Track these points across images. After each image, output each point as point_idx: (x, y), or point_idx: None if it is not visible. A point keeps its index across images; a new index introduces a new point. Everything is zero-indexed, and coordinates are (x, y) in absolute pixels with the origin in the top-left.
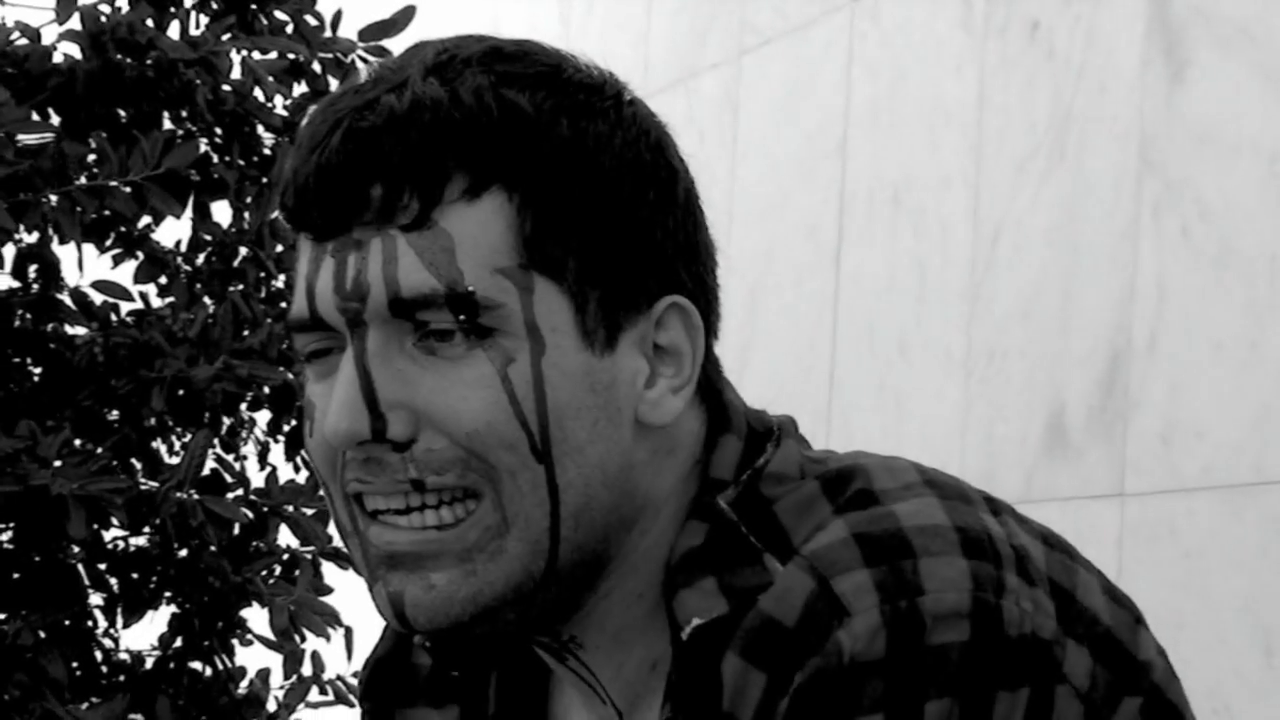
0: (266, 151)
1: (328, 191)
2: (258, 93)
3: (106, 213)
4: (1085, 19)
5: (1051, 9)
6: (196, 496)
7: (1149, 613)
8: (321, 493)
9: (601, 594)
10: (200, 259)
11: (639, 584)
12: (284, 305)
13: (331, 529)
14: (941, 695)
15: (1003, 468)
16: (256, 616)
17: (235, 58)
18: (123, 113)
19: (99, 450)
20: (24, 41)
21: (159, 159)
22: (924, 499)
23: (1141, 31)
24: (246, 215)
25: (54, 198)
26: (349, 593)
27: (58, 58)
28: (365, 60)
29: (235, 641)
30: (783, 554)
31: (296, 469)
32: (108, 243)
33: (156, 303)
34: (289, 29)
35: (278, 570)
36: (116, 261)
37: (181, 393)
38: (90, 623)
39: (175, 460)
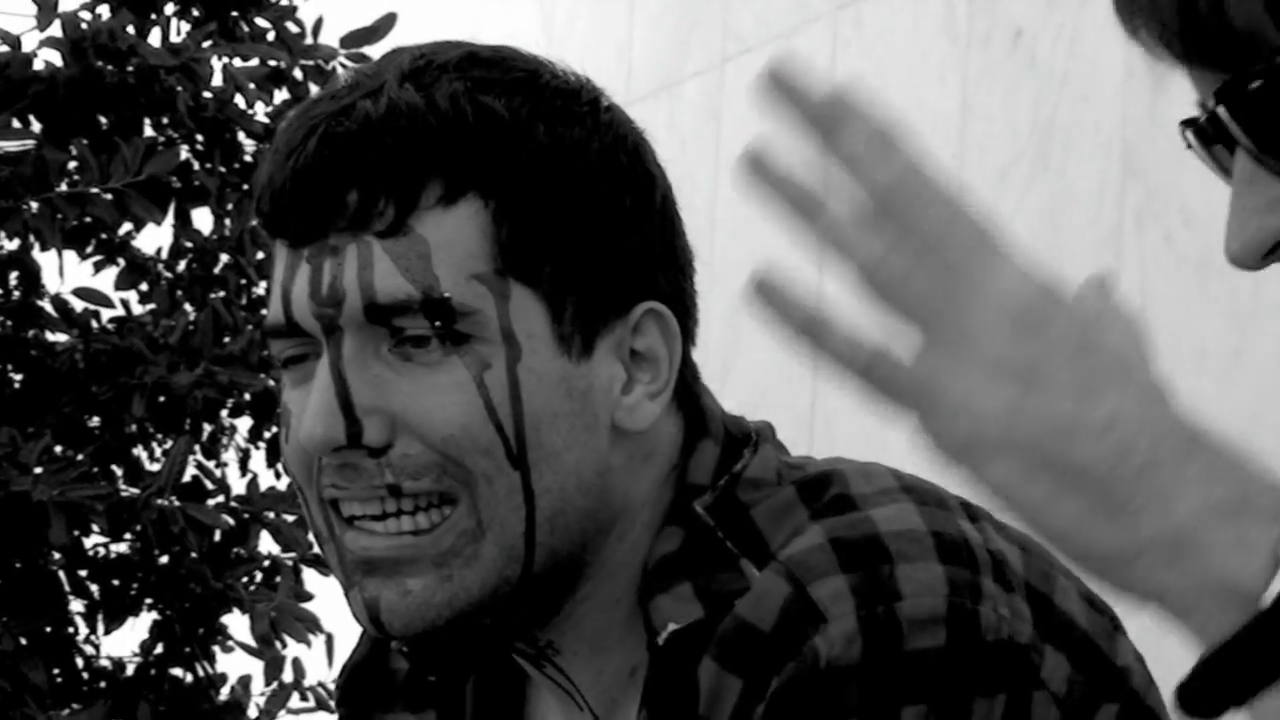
0: (247, 158)
1: (303, 197)
2: (239, 100)
3: (87, 220)
4: (1068, 27)
5: (1034, 17)
6: (177, 503)
7: (1127, 618)
8: (300, 499)
9: (579, 599)
10: (181, 266)
11: (616, 589)
12: (265, 312)
13: (312, 535)
14: (918, 701)
15: None
16: (237, 623)
17: (216, 64)
18: (104, 120)
19: (80, 457)
20: (4, 48)
21: (140, 166)
22: (901, 504)
23: (1124, 39)
24: (227, 222)
25: (35, 205)
26: (330, 599)
27: (39, 65)
28: (346, 67)
29: (216, 648)
30: (759, 559)
31: (277, 475)
32: (89, 249)
33: (137, 309)
34: (270, 36)
35: (259, 577)
36: (98, 268)
37: (162, 399)
38: (71, 629)
39: (156, 467)
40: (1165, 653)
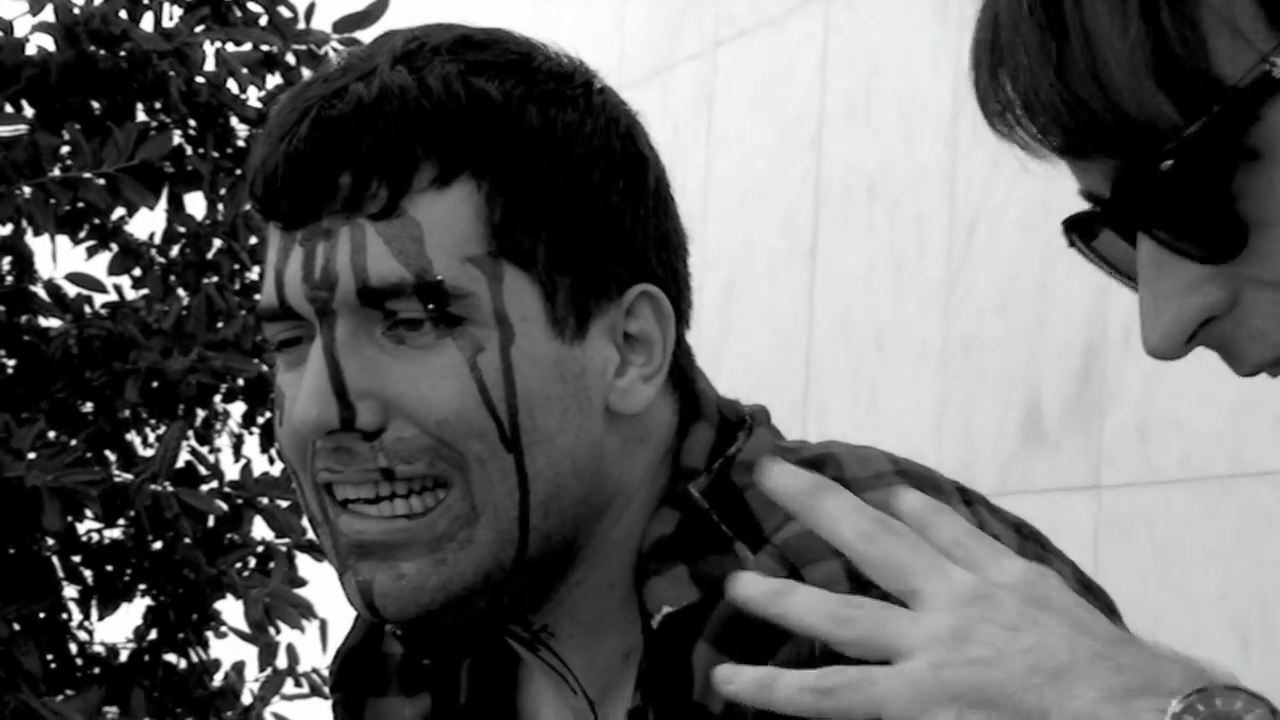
0: (240, 143)
1: (296, 180)
2: (231, 84)
3: (80, 204)
4: None
5: None
6: (171, 489)
7: (1124, 605)
8: (294, 484)
9: (573, 583)
10: (174, 251)
11: (611, 573)
12: (258, 297)
13: (306, 521)
14: None
15: (979, 460)
16: (231, 609)
17: (209, 49)
18: (96, 104)
19: (73, 442)
20: None
21: (133, 151)
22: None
23: None
24: (220, 207)
25: (28, 189)
26: (324, 585)
27: (31, 49)
28: (339, 52)
29: (210, 634)
30: (754, 542)
31: (271, 461)
32: (81, 235)
33: (130, 295)
34: (263, 21)
35: (252, 562)
36: (90, 253)
37: (156, 385)
38: (65, 615)
39: (150, 452)
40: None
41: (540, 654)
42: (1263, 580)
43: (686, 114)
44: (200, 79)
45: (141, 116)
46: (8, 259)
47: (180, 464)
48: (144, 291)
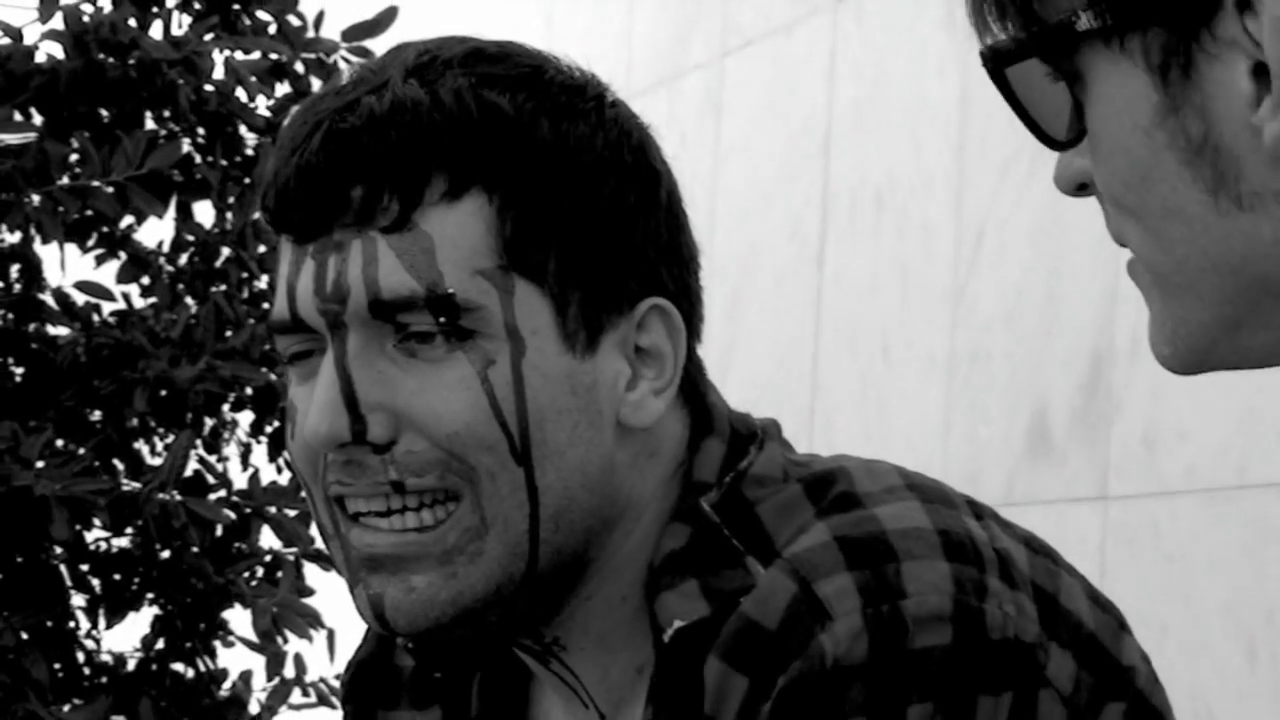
0: (249, 152)
1: (308, 193)
2: (240, 93)
3: (89, 213)
4: None
5: None
6: (179, 498)
7: (1131, 616)
8: (304, 494)
9: (584, 596)
10: (183, 259)
11: (622, 587)
12: (266, 306)
13: (314, 531)
14: (924, 699)
15: (985, 470)
16: (239, 618)
17: (218, 58)
18: (105, 113)
19: (81, 451)
20: (6, 41)
21: (141, 159)
22: (906, 502)
23: None
24: (229, 216)
25: (36, 198)
26: (331, 594)
27: (40, 57)
28: (348, 61)
29: (217, 643)
30: (765, 557)
31: (279, 470)
32: (90, 243)
33: (139, 303)
34: (272, 29)
35: (260, 572)
36: (99, 262)
37: (164, 393)
38: (72, 624)
39: (158, 461)
40: (1168, 651)
41: (551, 666)
42: (1269, 591)
43: (694, 123)
44: (209, 87)
45: (150, 125)
46: (16, 267)
47: (188, 473)
48: (152, 300)
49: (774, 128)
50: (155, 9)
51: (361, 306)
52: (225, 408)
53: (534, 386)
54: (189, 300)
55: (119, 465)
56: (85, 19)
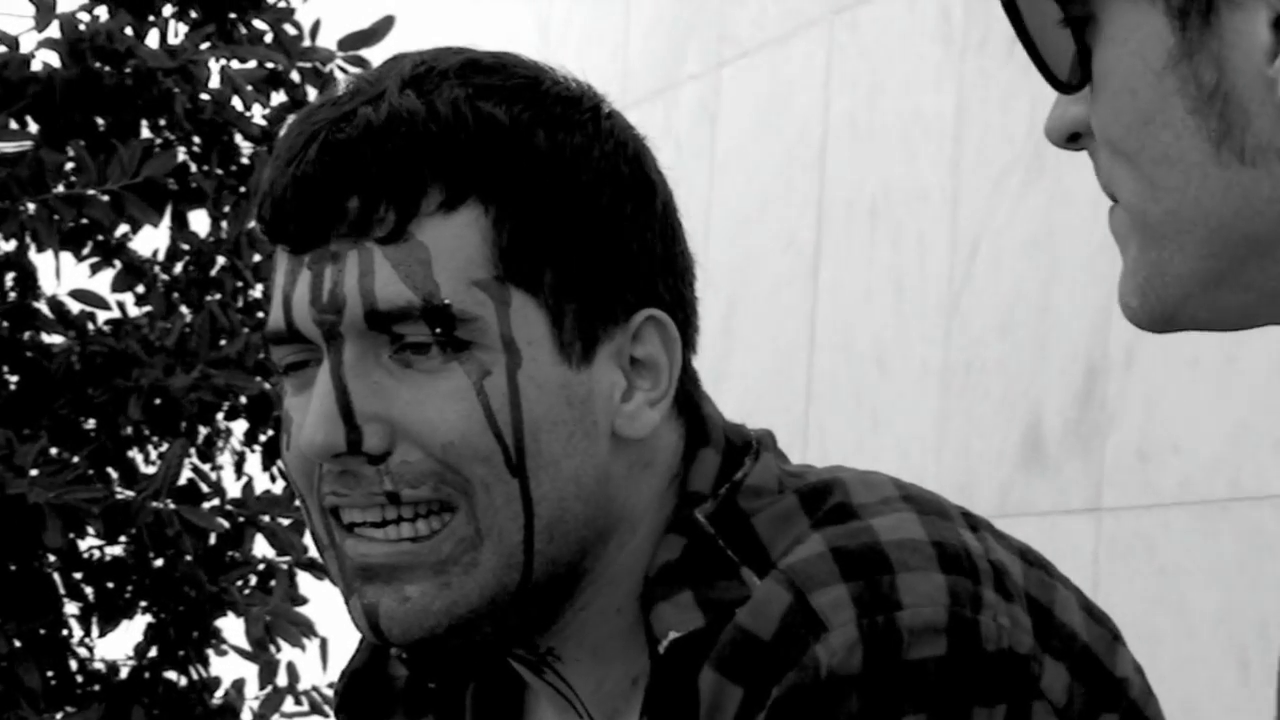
0: (244, 160)
1: (304, 204)
2: (236, 102)
3: (84, 221)
4: None
5: None
6: (173, 506)
7: (1124, 628)
8: (298, 504)
9: (579, 606)
10: (178, 268)
11: (617, 597)
12: (261, 315)
13: (308, 539)
14: (918, 710)
15: (979, 482)
16: (232, 626)
17: (214, 66)
18: (101, 121)
19: (75, 459)
20: (2, 49)
21: (137, 168)
22: (902, 514)
23: None
24: (224, 224)
25: (32, 206)
26: (324, 603)
27: (36, 66)
28: (344, 70)
29: (210, 651)
30: (760, 568)
31: (273, 479)
32: (85, 251)
33: (134, 312)
34: (268, 38)
35: (253, 580)
36: (94, 270)
37: (158, 402)
38: (66, 632)
39: (151, 469)
40: (1161, 663)
41: (546, 677)
42: (1262, 603)
43: (689, 134)
44: (205, 96)
45: (146, 133)
46: (11, 275)
47: (182, 481)
48: (147, 309)
49: (769, 139)
50: (151, 18)
51: (357, 317)
52: (219, 416)
53: (529, 397)
54: (184, 309)
55: (113, 473)
56: (81, 27)
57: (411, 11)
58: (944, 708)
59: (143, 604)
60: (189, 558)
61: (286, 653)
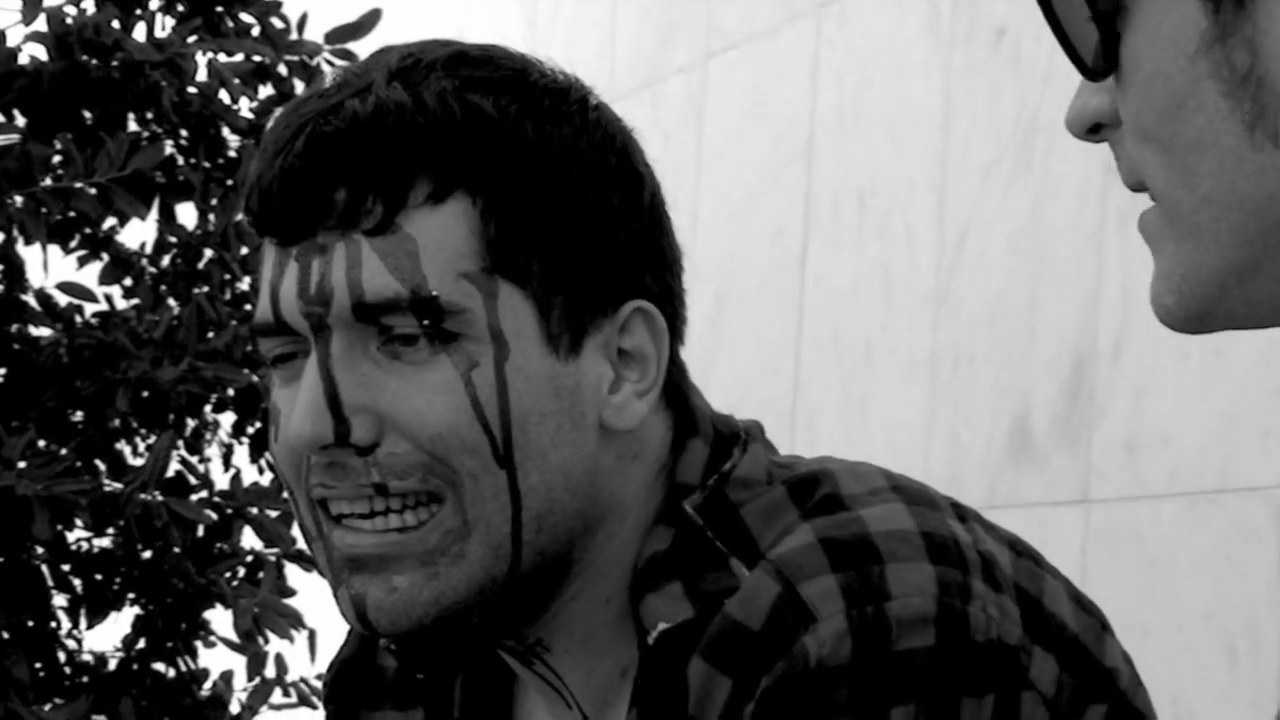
0: (232, 153)
1: (291, 196)
2: (223, 95)
3: (72, 214)
4: None
5: (1018, 15)
6: (161, 498)
7: (1113, 619)
8: (286, 496)
9: (568, 598)
10: (165, 261)
11: (606, 589)
12: (249, 307)
13: (296, 531)
14: (907, 701)
15: (967, 473)
16: (220, 618)
17: (201, 60)
18: (88, 114)
19: (63, 451)
20: None
21: (124, 160)
22: (891, 504)
23: None
24: (212, 217)
25: (19, 199)
26: (313, 595)
27: (23, 59)
28: (331, 63)
29: (199, 643)
30: (749, 559)
31: (261, 471)
32: (73, 244)
33: (121, 304)
34: (255, 31)
35: (241, 572)
36: (81, 263)
37: (146, 394)
38: (54, 624)
39: (139, 462)
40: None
41: (535, 668)
42: (1250, 595)
43: (676, 126)
44: (192, 89)
45: (133, 126)
46: None
47: (170, 473)
48: (135, 301)
49: (757, 131)
50: (138, 11)
51: (345, 309)
52: (207, 409)
53: (517, 389)
54: (171, 301)
55: (101, 466)
56: (68, 21)
57: (398, 5)
58: (933, 698)
59: (131, 596)
60: (177, 550)
61: (275, 644)
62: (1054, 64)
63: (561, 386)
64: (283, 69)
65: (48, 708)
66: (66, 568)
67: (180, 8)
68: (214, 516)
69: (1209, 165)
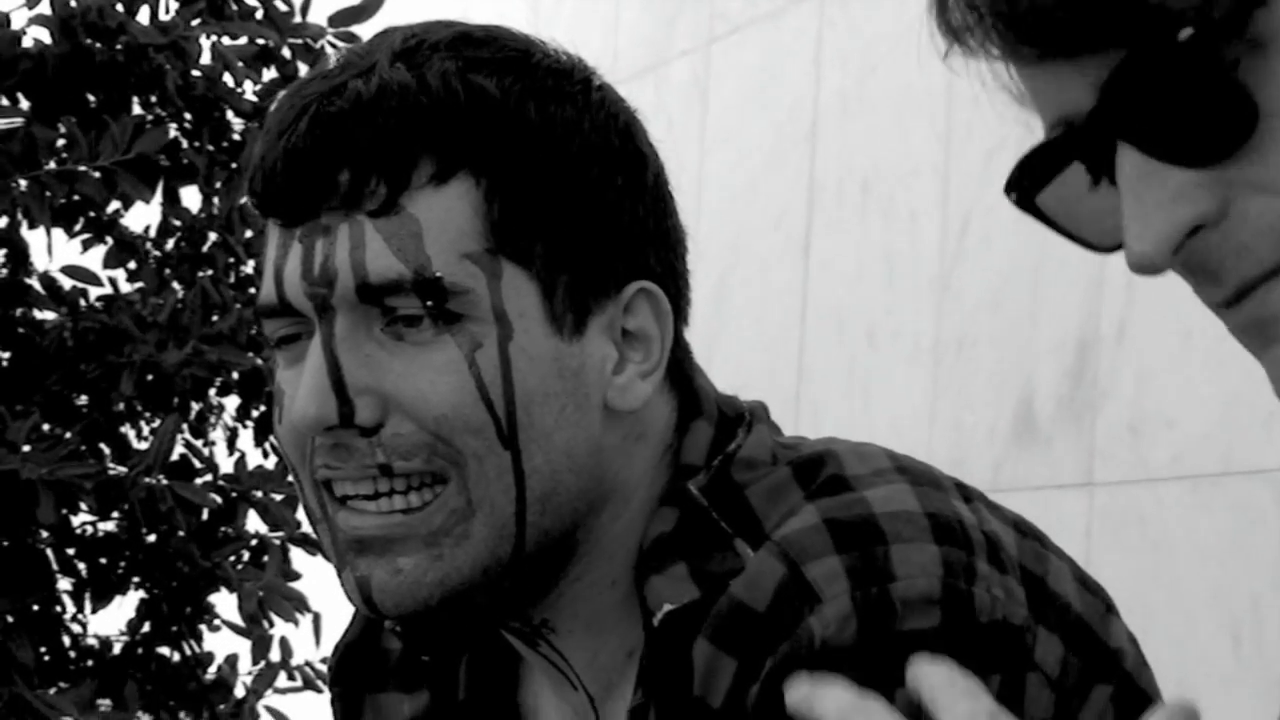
0: (236, 137)
1: (295, 177)
2: (227, 78)
3: (76, 197)
4: None
5: None
6: (165, 482)
7: (1117, 602)
8: (291, 478)
9: (572, 578)
10: (170, 244)
11: (611, 570)
12: (253, 290)
13: (300, 515)
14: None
15: (971, 457)
16: (225, 602)
17: (205, 43)
18: (92, 98)
19: (68, 435)
20: None
21: (129, 144)
22: (895, 485)
23: None
24: (216, 200)
25: (23, 182)
26: (317, 578)
27: (27, 42)
28: (335, 46)
29: (203, 627)
30: (754, 539)
31: (265, 454)
32: (77, 227)
33: (126, 288)
34: (259, 15)
35: (246, 556)
36: (86, 246)
37: (150, 378)
38: (59, 608)
39: (144, 445)
40: (1153, 637)
41: (540, 649)
42: (1254, 578)
43: (680, 110)
44: (196, 73)
45: (137, 110)
46: (3, 251)
47: (175, 457)
48: (139, 285)
49: (760, 115)
50: None
51: (349, 290)
52: (212, 392)
53: (521, 370)
54: (176, 285)
55: (105, 449)
56: (73, 4)
57: None
58: None
59: (135, 580)
60: (182, 533)
61: (280, 628)
62: None
63: (565, 367)
64: (286, 52)
65: (52, 691)
66: (71, 551)
67: None
68: (219, 500)
69: None
